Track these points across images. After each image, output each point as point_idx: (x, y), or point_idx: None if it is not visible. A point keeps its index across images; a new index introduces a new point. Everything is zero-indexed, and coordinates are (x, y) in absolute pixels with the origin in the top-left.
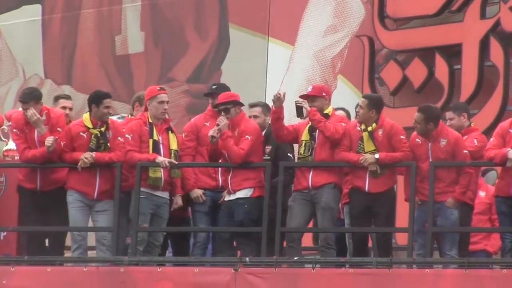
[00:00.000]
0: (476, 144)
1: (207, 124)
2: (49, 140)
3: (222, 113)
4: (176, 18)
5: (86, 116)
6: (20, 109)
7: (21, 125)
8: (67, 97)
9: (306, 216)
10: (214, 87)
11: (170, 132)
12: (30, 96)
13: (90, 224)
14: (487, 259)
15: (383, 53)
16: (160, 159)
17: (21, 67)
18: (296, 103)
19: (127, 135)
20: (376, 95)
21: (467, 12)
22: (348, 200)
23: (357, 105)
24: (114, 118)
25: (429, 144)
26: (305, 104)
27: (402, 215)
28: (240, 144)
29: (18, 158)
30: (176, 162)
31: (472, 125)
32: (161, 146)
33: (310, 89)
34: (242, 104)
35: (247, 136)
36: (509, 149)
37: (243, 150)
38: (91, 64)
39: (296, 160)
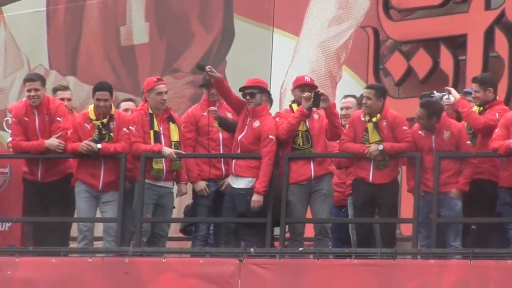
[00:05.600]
0: (497, 117)
1: (205, 114)
2: (53, 144)
3: (248, 97)
4: (180, 9)
5: (91, 107)
6: (24, 98)
7: (21, 115)
8: (64, 88)
9: (306, 209)
10: (208, 77)
11: (171, 122)
12: (38, 76)
13: (99, 215)
14: (492, 250)
15: (388, 44)
16: (166, 151)
17: (26, 58)
18: (315, 92)
19: (130, 127)
20: (379, 84)
21: (472, 3)
22: (351, 191)
23: (361, 96)
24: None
25: (433, 137)
26: (327, 97)
27: (406, 206)
28: (266, 146)
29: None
30: (183, 152)
31: (497, 98)
32: (162, 136)
33: (308, 78)
34: (268, 93)
35: (270, 136)
36: None
37: (273, 152)
38: (96, 55)
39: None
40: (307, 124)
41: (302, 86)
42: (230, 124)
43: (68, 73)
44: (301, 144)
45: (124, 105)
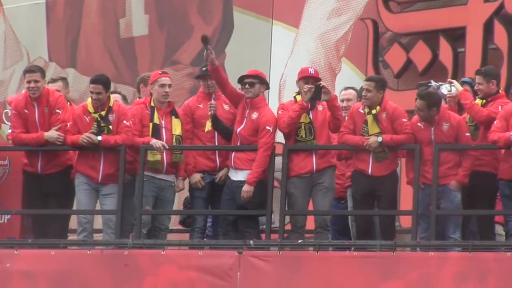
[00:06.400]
0: (499, 110)
1: (201, 106)
2: (52, 136)
3: (247, 86)
4: (180, 1)
5: (89, 100)
6: (24, 90)
7: (21, 107)
8: (53, 81)
9: (308, 202)
10: (204, 69)
11: (174, 117)
12: (38, 68)
13: (98, 207)
14: (491, 242)
15: (387, 36)
16: (154, 142)
17: (25, 50)
18: (316, 85)
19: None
20: (379, 76)
21: None
22: (351, 183)
23: (361, 88)
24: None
25: (432, 129)
26: (328, 89)
27: (406, 198)
28: (263, 137)
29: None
30: (167, 146)
31: (500, 91)
32: (163, 130)
33: (312, 70)
34: (267, 86)
35: (268, 128)
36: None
37: (269, 143)
38: (96, 47)
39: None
40: (311, 116)
41: (306, 78)
42: (223, 127)
43: (68, 65)
44: (303, 136)
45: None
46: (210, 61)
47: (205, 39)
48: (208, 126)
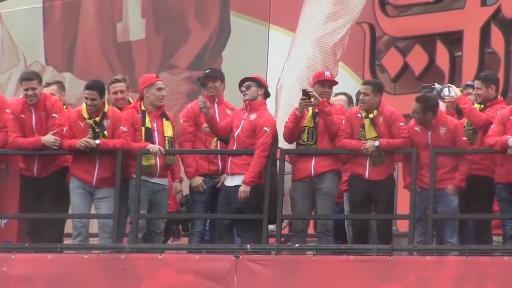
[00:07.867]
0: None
1: None
2: (49, 141)
3: (244, 89)
4: (177, 5)
5: (84, 106)
6: (21, 95)
7: (18, 112)
8: (47, 84)
9: (310, 206)
10: (207, 71)
11: (165, 119)
12: (35, 74)
13: (93, 211)
14: (488, 246)
15: (384, 40)
16: (151, 147)
17: (22, 54)
18: (303, 90)
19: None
20: (377, 80)
21: None
22: (348, 187)
23: (358, 92)
24: None
25: (429, 133)
26: (316, 94)
27: (402, 202)
28: (260, 138)
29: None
30: (163, 151)
31: (498, 96)
32: (155, 133)
33: (328, 74)
34: (266, 89)
35: (265, 129)
36: (509, 136)
37: (266, 144)
38: (93, 51)
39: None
40: (317, 119)
41: (322, 81)
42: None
43: (65, 69)
44: (305, 140)
45: None
46: (205, 111)
47: (202, 82)
48: (215, 140)
